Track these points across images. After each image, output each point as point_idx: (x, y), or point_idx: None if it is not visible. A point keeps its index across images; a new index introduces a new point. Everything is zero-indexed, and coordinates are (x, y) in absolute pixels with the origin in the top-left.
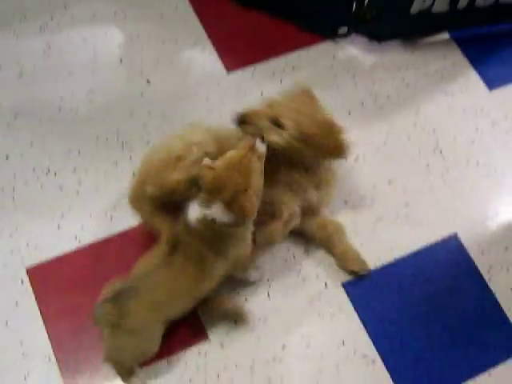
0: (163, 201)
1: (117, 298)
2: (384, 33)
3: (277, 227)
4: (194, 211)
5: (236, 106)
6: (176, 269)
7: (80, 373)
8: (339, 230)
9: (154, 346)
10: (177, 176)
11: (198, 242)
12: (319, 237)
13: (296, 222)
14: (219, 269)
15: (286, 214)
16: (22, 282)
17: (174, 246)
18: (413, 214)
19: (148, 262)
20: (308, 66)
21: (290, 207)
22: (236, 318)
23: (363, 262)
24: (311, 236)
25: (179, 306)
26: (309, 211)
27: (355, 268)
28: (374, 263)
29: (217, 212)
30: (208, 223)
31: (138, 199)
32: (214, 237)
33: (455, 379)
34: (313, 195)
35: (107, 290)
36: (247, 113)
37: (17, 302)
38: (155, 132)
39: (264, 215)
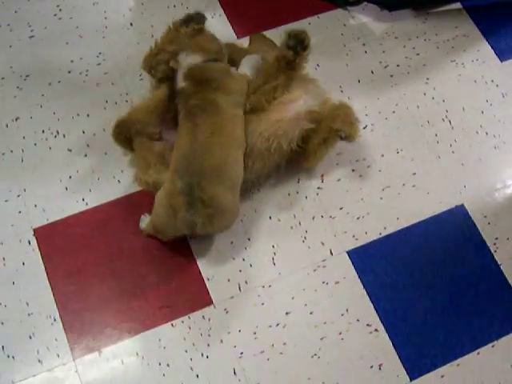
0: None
1: (191, 198)
2: (395, 2)
3: None
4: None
5: None
6: (206, 124)
7: (85, 334)
8: (346, 106)
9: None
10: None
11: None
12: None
13: None
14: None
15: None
16: (29, 242)
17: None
18: (420, 183)
19: (184, 147)
20: (318, 34)
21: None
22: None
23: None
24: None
25: (235, 166)
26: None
27: (339, 126)
28: (380, 232)
29: None
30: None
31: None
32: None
33: (458, 350)
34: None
35: (176, 199)
36: None
37: (23, 263)
38: None
39: None
